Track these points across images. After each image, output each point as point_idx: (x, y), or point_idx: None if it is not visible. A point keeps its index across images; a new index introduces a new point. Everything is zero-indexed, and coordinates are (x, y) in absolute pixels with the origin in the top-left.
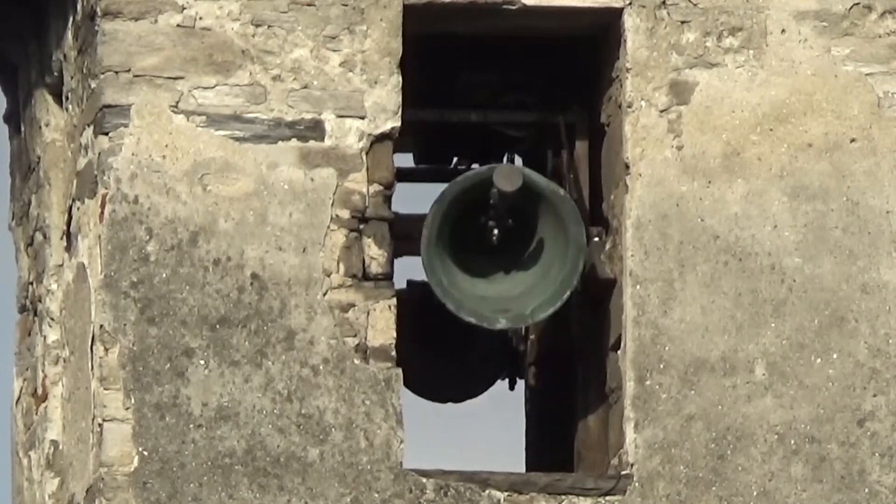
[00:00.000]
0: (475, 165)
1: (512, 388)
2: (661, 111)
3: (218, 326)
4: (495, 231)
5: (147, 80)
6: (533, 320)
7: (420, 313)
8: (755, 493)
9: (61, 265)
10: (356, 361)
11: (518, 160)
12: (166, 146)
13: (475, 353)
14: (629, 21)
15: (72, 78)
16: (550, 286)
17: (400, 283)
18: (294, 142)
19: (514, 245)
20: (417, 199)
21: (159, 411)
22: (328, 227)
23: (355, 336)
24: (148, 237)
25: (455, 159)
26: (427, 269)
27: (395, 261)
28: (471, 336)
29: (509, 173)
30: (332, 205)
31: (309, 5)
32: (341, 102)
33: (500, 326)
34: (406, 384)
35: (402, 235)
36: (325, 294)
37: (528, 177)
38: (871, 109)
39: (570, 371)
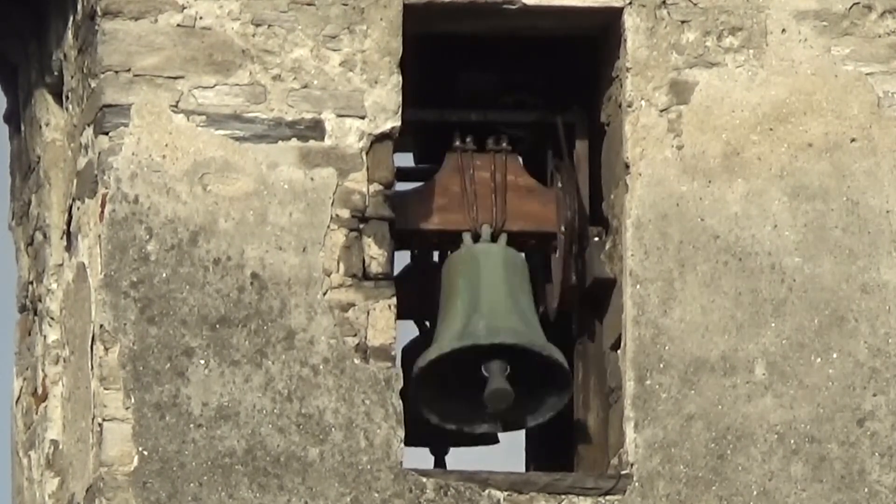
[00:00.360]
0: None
1: None
2: (661, 111)
3: (218, 326)
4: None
5: (147, 80)
6: (516, 427)
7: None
8: (755, 493)
9: (61, 265)
10: (356, 361)
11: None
12: (166, 146)
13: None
14: (629, 21)
15: (72, 77)
16: (535, 404)
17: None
18: (294, 141)
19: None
20: None
21: (159, 411)
22: (328, 226)
23: (355, 336)
24: (148, 237)
25: None
26: (412, 401)
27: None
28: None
29: (501, 398)
30: (332, 204)
31: (309, 5)
32: (341, 102)
33: (480, 431)
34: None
35: (401, 231)
36: (325, 294)
37: (526, 348)
38: (871, 109)
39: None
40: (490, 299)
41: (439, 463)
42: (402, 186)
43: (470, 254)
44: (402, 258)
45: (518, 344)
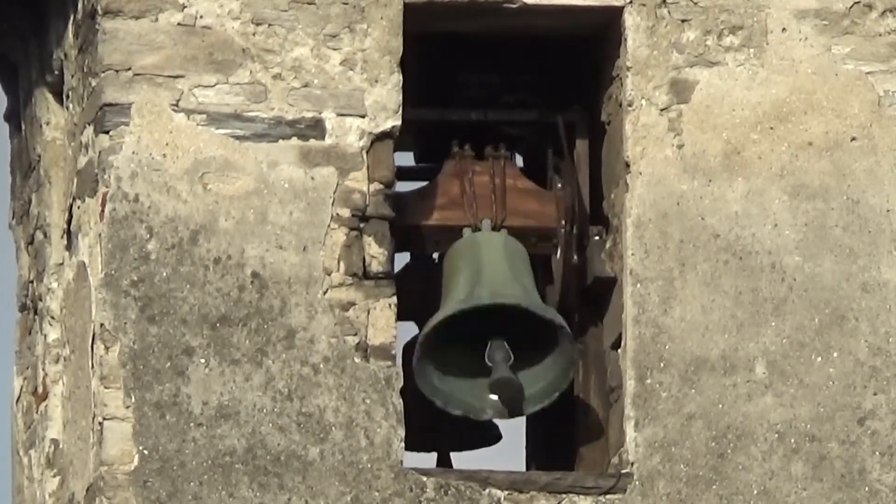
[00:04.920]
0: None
1: None
2: (662, 110)
3: (218, 325)
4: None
5: (147, 79)
6: (520, 413)
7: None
8: (755, 492)
9: (62, 264)
10: (356, 360)
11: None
12: (167, 145)
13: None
14: (629, 19)
15: (72, 76)
16: (540, 382)
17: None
18: (294, 140)
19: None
20: None
21: (160, 410)
22: (328, 225)
23: (356, 335)
24: (148, 236)
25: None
26: (417, 374)
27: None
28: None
29: (506, 387)
30: (333, 203)
31: (309, 4)
32: (342, 101)
33: (486, 417)
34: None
35: (400, 228)
36: (325, 293)
37: (528, 308)
38: (871, 108)
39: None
40: (492, 272)
41: (443, 462)
42: (402, 186)
43: (471, 240)
44: (402, 258)
45: (520, 304)
